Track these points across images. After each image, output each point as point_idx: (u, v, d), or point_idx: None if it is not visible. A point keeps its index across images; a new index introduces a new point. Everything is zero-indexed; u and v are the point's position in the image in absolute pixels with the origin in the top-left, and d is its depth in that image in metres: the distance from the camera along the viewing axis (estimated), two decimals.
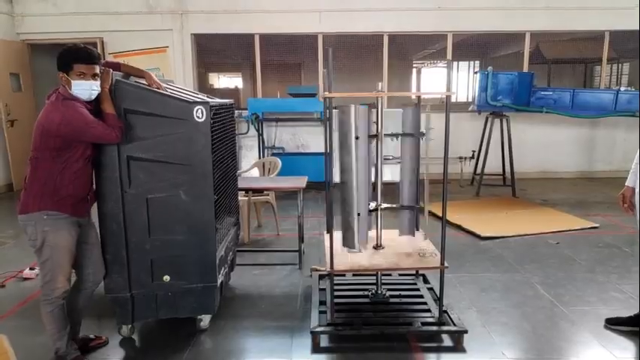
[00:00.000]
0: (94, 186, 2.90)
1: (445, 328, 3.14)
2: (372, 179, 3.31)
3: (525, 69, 8.25)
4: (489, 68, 7.13)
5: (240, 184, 4.39)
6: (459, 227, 5.56)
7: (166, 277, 3.07)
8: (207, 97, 3.39)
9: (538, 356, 3.01)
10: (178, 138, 2.92)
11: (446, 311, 3.24)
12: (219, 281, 3.19)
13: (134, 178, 2.93)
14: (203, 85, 9.66)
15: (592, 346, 3.09)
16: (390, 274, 3.85)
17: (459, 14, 8.05)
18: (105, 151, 2.86)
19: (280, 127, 8.16)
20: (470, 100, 10.95)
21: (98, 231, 2.98)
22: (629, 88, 7.89)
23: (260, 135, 7.78)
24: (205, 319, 3.28)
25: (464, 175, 8.25)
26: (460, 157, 8.18)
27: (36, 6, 7.97)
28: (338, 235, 3.21)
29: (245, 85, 12.84)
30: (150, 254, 3.03)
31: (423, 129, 3.17)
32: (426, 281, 3.83)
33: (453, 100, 11.19)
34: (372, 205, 3.32)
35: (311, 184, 5.02)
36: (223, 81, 16.66)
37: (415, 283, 3.78)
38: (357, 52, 8.56)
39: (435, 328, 3.16)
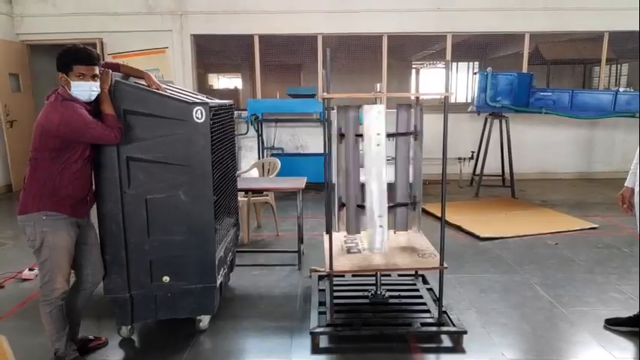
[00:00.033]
0: (94, 186, 2.90)
1: (444, 328, 3.14)
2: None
3: (524, 70, 8.26)
4: (488, 69, 7.14)
5: (240, 184, 4.39)
6: (458, 228, 5.55)
7: (166, 278, 3.07)
8: (207, 97, 3.39)
9: (537, 357, 3.01)
10: (178, 139, 2.92)
11: (445, 312, 3.24)
12: (218, 282, 3.19)
13: (133, 178, 2.93)
14: (202, 86, 9.66)
15: (591, 347, 3.09)
16: (389, 275, 3.85)
17: (458, 15, 8.06)
18: (104, 152, 2.86)
19: (280, 127, 8.17)
20: (469, 100, 10.96)
21: (97, 231, 2.98)
22: (627, 89, 7.91)
23: (259, 136, 7.79)
24: (205, 320, 3.28)
25: (463, 176, 8.25)
26: (459, 158, 8.19)
27: (35, 6, 7.96)
28: (337, 235, 3.21)
29: (244, 85, 12.84)
30: (149, 255, 3.03)
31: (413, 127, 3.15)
32: (425, 282, 3.83)
33: (452, 100, 11.22)
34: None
35: (310, 185, 5.03)
36: (223, 82, 16.66)
37: (414, 284, 3.78)
38: (356, 53, 8.56)
39: (434, 328, 3.16)
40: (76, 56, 2.64)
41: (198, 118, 2.90)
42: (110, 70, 2.83)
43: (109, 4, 7.92)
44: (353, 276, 3.82)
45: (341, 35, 8.20)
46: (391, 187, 3.32)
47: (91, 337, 3.14)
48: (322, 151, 3.60)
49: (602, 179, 8.36)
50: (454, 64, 13.24)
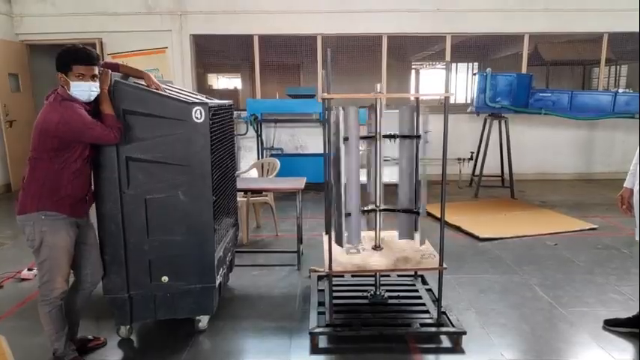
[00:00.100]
0: (93, 186, 2.90)
1: (444, 329, 3.14)
2: (365, 180, 3.30)
3: (524, 70, 8.26)
4: (488, 70, 7.13)
5: (239, 184, 4.38)
6: (457, 228, 5.56)
7: (165, 278, 3.07)
8: (206, 97, 3.39)
9: (537, 357, 3.01)
10: (177, 139, 2.92)
11: (444, 312, 3.24)
12: (217, 282, 3.19)
13: (133, 178, 2.93)
14: (202, 86, 9.65)
15: (591, 348, 3.09)
16: (388, 275, 3.85)
17: (458, 16, 8.06)
18: (104, 152, 2.86)
19: (279, 128, 8.17)
20: (468, 101, 10.96)
21: (96, 231, 2.98)
22: (627, 90, 7.92)
23: (259, 136, 7.79)
24: (204, 320, 3.28)
25: (462, 177, 8.25)
26: (459, 159, 8.19)
27: (35, 6, 7.96)
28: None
29: (244, 85, 12.83)
30: (148, 255, 3.03)
31: (421, 131, 3.16)
32: (424, 282, 3.83)
33: (452, 101, 11.20)
34: (371, 206, 3.32)
35: (310, 185, 5.03)
36: (222, 82, 16.65)
37: (414, 284, 3.78)
38: (355, 54, 8.56)
39: (433, 329, 3.16)
40: (75, 56, 2.64)
41: (197, 118, 2.90)
42: (109, 70, 2.83)
43: (109, 4, 7.92)
44: (352, 276, 3.82)
45: (340, 35, 8.20)
46: (394, 191, 3.34)
47: (90, 337, 3.13)
48: (322, 152, 3.60)
49: (601, 180, 8.37)
50: (454, 64, 13.24)
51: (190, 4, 8.01)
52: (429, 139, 3.10)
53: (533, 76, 7.50)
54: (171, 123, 2.90)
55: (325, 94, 2.93)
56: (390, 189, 3.51)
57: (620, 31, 8.10)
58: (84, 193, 2.79)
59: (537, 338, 3.20)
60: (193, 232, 3.04)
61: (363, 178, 3.25)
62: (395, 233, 3.49)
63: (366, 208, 3.32)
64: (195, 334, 3.24)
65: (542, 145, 8.55)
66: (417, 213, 3.27)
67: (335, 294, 3.31)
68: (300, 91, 8.02)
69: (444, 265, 3.11)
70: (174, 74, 8.02)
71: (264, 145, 7.97)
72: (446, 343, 3.13)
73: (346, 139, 3.07)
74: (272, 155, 7.58)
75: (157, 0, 7.97)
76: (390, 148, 3.30)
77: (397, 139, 3.24)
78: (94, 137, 2.69)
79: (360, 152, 3.22)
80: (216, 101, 3.42)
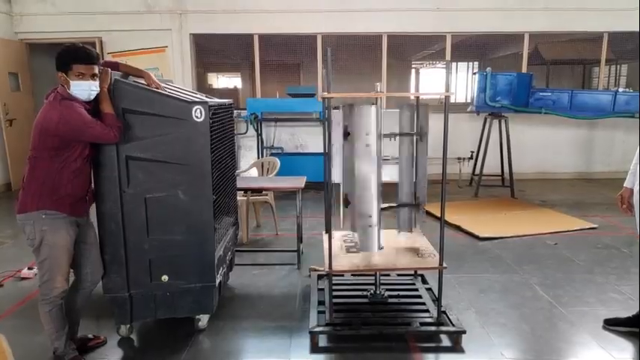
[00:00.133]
0: (93, 185, 2.90)
1: (444, 328, 3.14)
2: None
3: (524, 70, 8.26)
4: (488, 69, 7.14)
5: (239, 183, 4.38)
6: (457, 228, 5.56)
7: (165, 277, 3.07)
8: (206, 97, 3.38)
9: (537, 357, 3.01)
10: (177, 138, 2.92)
11: (444, 311, 3.24)
12: (217, 281, 3.19)
13: (133, 177, 2.93)
14: (202, 85, 9.66)
15: (591, 347, 3.09)
16: (388, 275, 3.85)
17: (458, 15, 8.06)
18: (104, 151, 2.85)
19: (279, 127, 8.17)
20: (469, 100, 10.97)
21: (96, 230, 2.98)
22: (627, 90, 7.91)
23: (259, 135, 7.79)
24: (204, 319, 3.28)
25: (462, 176, 8.25)
26: (459, 158, 8.19)
27: (34, 5, 7.95)
28: (337, 235, 3.21)
29: (244, 85, 12.84)
30: (148, 254, 3.03)
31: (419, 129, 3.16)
32: (424, 282, 3.83)
33: (452, 100, 11.20)
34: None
35: (310, 184, 5.03)
36: (222, 81, 16.65)
37: (414, 284, 3.78)
38: (356, 53, 8.56)
39: (433, 328, 3.16)
40: (75, 55, 2.63)
41: (197, 117, 2.90)
42: (109, 69, 2.82)
43: (109, 3, 7.92)
44: (352, 275, 3.82)
45: (340, 35, 8.20)
46: (395, 187, 3.33)
47: (90, 336, 3.13)
48: (322, 151, 3.60)
49: (601, 179, 8.37)
50: (454, 64, 13.24)
51: (190, 3, 8.01)
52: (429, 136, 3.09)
53: (534, 75, 7.51)
54: (172, 122, 2.90)
55: (325, 93, 2.93)
56: (387, 188, 3.51)
57: (620, 31, 8.10)
58: (84, 192, 2.79)
59: (537, 338, 3.20)
60: (193, 231, 3.04)
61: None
62: (395, 233, 3.48)
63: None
64: (195, 333, 3.24)
65: (542, 145, 8.55)
66: (417, 205, 3.26)
67: (335, 293, 3.31)
68: (300, 90, 8.02)
69: (444, 265, 3.11)
70: (174, 73, 8.02)
71: (264, 144, 7.97)
72: (446, 342, 3.13)
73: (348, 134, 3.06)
74: (272, 154, 7.58)
75: None
76: (389, 148, 3.29)
77: (397, 138, 3.23)
78: (94, 136, 2.69)
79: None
80: (216, 100, 3.42)
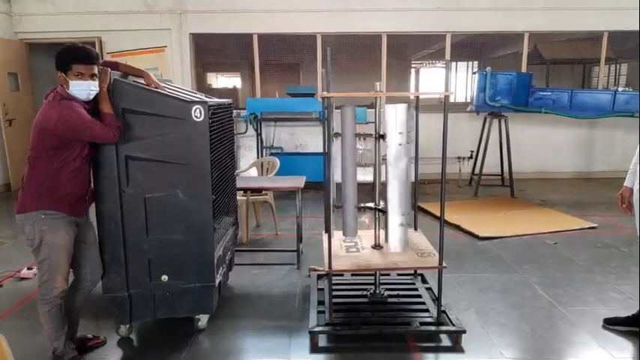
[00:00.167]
0: (92, 185, 2.90)
1: (443, 328, 3.14)
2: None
3: (524, 69, 8.26)
4: (488, 68, 7.13)
5: (239, 183, 4.38)
6: (457, 227, 5.56)
7: (164, 277, 3.07)
8: (206, 96, 3.38)
9: (536, 357, 3.01)
10: (176, 137, 2.92)
11: (444, 311, 3.24)
12: (217, 281, 3.19)
13: (132, 177, 2.92)
14: (201, 85, 9.65)
15: (590, 347, 3.09)
16: (388, 274, 3.85)
17: (458, 14, 8.05)
18: (103, 151, 2.85)
19: (279, 126, 8.16)
20: (468, 100, 10.96)
21: (96, 230, 2.98)
22: (627, 89, 7.91)
23: (258, 135, 7.79)
24: (203, 319, 3.28)
25: (462, 176, 8.25)
26: (458, 158, 8.19)
27: (34, 5, 7.95)
28: (337, 234, 3.21)
29: (243, 84, 12.84)
30: (148, 254, 3.02)
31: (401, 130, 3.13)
32: (424, 281, 3.83)
33: (452, 100, 11.20)
34: (371, 204, 3.32)
35: (309, 184, 5.03)
36: (222, 81, 16.65)
37: (413, 283, 3.78)
38: (355, 53, 8.56)
39: (433, 328, 3.16)
40: (75, 55, 2.63)
41: (196, 117, 2.90)
42: (109, 69, 2.82)
43: (108, 3, 7.91)
44: (352, 275, 3.82)
45: (340, 34, 8.19)
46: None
47: (89, 336, 3.13)
48: (321, 151, 3.59)
49: (601, 179, 8.37)
50: (453, 63, 13.23)
51: (190, 2, 8.00)
52: (411, 139, 3.08)
53: (533, 74, 7.50)
54: (171, 122, 2.90)
55: (325, 92, 2.93)
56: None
57: (620, 30, 8.08)
58: (83, 192, 2.79)
59: (537, 337, 3.20)
60: (193, 230, 3.04)
61: (368, 177, 3.24)
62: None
63: (362, 205, 3.30)
64: (194, 333, 3.24)
65: (542, 144, 8.55)
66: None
67: (335, 293, 3.31)
68: (299, 90, 8.02)
69: (444, 264, 3.10)
70: (174, 73, 8.02)
71: (264, 144, 7.96)
72: (445, 342, 3.13)
73: (337, 134, 3.06)
74: (272, 154, 7.58)
75: None
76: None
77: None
78: (93, 136, 2.68)
79: (360, 151, 3.22)
80: (216, 100, 3.41)
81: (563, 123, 8.06)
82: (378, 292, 3.53)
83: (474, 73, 7.99)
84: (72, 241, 2.75)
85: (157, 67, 7.75)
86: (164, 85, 3.07)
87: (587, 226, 5.61)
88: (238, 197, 4.51)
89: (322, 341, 3.14)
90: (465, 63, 13.33)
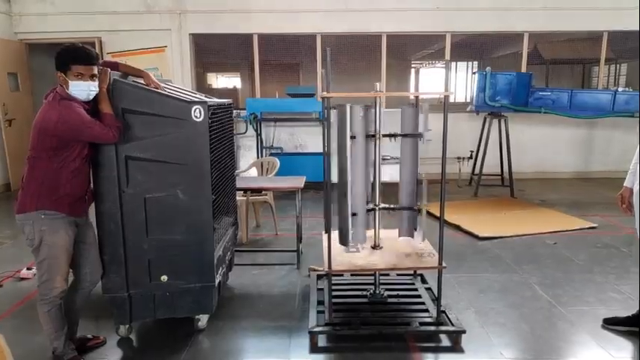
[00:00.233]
0: (92, 185, 2.90)
1: (443, 328, 3.14)
2: (371, 179, 3.30)
3: (523, 69, 8.26)
4: (487, 68, 7.14)
5: (239, 183, 4.38)
6: (457, 227, 5.56)
7: (164, 277, 3.07)
8: (206, 96, 3.38)
9: (536, 357, 3.01)
10: (176, 138, 2.92)
11: (444, 311, 3.24)
12: (217, 281, 3.19)
13: (132, 177, 2.92)
14: (201, 85, 9.65)
15: (590, 347, 3.09)
16: (388, 274, 3.85)
17: (457, 15, 8.06)
18: (103, 151, 2.85)
19: (279, 127, 8.16)
20: (468, 100, 10.96)
21: (96, 230, 2.98)
22: (626, 89, 7.91)
23: (258, 135, 7.79)
24: (203, 319, 3.28)
25: (462, 176, 8.25)
26: (458, 158, 8.19)
27: (34, 5, 7.95)
28: (336, 234, 3.21)
29: (243, 85, 12.84)
30: (147, 254, 3.02)
31: (421, 130, 3.16)
32: (424, 281, 3.83)
33: (452, 100, 11.21)
34: (370, 205, 3.32)
35: (309, 184, 5.03)
36: (222, 81, 16.64)
37: (413, 283, 3.78)
38: (355, 53, 8.56)
39: (433, 328, 3.16)
40: (74, 55, 2.63)
41: (196, 117, 2.90)
42: (109, 69, 2.82)
43: (108, 3, 7.91)
44: (351, 275, 3.82)
45: (340, 35, 8.20)
46: (391, 190, 3.33)
47: (89, 336, 3.13)
48: (321, 151, 3.60)
49: (600, 179, 8.37)
50: (453, 63, 13.24)
51: (190, 3, 8.01)
52: (430, 138, 3.09)
53: (533, 74, 7.50)
54: (171, 122, 2.89)
55: (325, 92, 2.93)
56: (389, 188, 3.51)
57: (619, 30, 8.09)
58: (83, 192, 2.79)
59: (537, 337, 3.20)
60: (193, 231, 3.04)
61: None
62: (394, 232, 3.49)
63: (368, 207, 3.32)
64: (194, 333, 3.24)
65: (541, 144, 8.55)
66: (418, 211, 3.27)
67: (334, 293, 3.31)
68: (299, 90, 8.02)
69: (444, 264, 3.10)
70: (174, 73, 8.02)
71: (264, 144, 7.97)
72: (445, 342, 3.13)
73: (353, 137, 3.06)
74: (271, 154, 7.58)
75: None
76: (389, 148, 3.29)
77: (397, 139, 3.23)
78: (93, 136, 2.68)
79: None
80: (216, 100, 3.41)
81: (563, 123, 8.06)
82: (377, 292, 3.53)
83: (474, 73, 8.00)
84: (72, 241, 2.75)
85: (157, 68, 7.76)
86: (164, 86, 3.07)
87: (586, 226, 5.61)
88: (238, 197, 4.52)
89: (322, 341, 3.14)
90: (465, 63, 13.33)
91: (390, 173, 3.57)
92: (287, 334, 3.24)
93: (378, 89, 3.17)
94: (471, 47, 9.30)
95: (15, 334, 3.13)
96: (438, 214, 3.13)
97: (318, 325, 3.13)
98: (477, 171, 7.66)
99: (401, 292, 3.61)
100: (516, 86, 7.01)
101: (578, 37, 8.85)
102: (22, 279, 4.18)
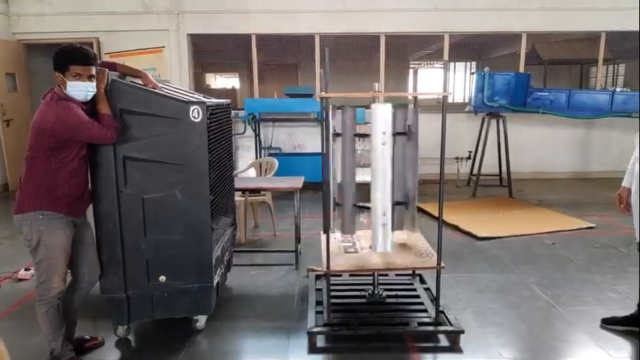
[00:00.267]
0: (90, 186, 2.90)
1: (442, 328, 3.14)
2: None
3: (521, 70, 8.27)
4: (486, 69, 7.14)
5: (237, 184, 4.38)
6: (455, 228, 5.56)
7: (162, 278, 3.06)
8: (204, 97, 3.38)
9: (534, 357, 3.02)
10: (174, 138, 2.91)
11: (442, 311, 3.24)
12: (215, 281, 3.19)
13: (130, 177, 2.92)
14: (200, 86, 9.65)
15: (588, 347, 3.09)
16: (386, 275, 3.85)
17: (456, 15, 8.06)
18: (101, 151, 2.85)
19: (277, 127, 8.16)
20: (466, 100, 10.98)
21: (94, 231, 2.97)
22: (624, 89, 7.92)
23: (257, 135, 7.78)
24: (201, 320, 3.27)
25: (460, 176, 8.26)
26: (456, 158, 8.19)
27: (32, 6, 7.93)
28: (335, 235, 3.21)
29: (242, 85, 12.84)
30: (146, 254, 3.02)
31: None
32: (422, 281, 3.83)
33: (450, 100, 11.21)
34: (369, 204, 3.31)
35: (308, 185, 5.03)
36: (220, 81, 16.65)
37: (412, 284, 3.78)
38: (354, 53, 8.56)
39: (431, 328, 3.16)
40: (72, 56, 2.63)
41: (194, 117, 2.89)
42: (107, 70, 2.82)
43: (106, 4, 7.90)
44: (350, 275, 3.82)
45: (338, 35, 8.20)
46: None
47: (87, 336, 3.13)
48: (320, 151, 3.59)
49: (598, 179, 8.38)
50: (451, 64, 13.25)
51: (187, 3, 8.00)
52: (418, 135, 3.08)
53: (531, 75, 7.52)
54: (169, 122, 2.89)
55: (323, 93, 2.93)
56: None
57: (617, 30, 8.11)
58: (81, 193, 2.78)
59: (535, 337, 3.21)
60: (191, 231, 3.03)
61: (360, 177, 3.23)
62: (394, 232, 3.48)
63: (361, 204, 3.30)
64: (192, 333, 3.24)
65: (539, 144, 8.57)
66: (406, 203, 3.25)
67: (333, 293, 3.31)
68: (298, 91, 8.02)
69: (442, 264, 3.11)
70: (172, 73, 8.01)
71: (262, 145, 7.96)
72: (444, 342, 3.13)
73: (338, 135, 3.06)
74: (270, 154, 7.58)
75: None
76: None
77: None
78: (91, 137, 2.68)
79: (359, 152, 3.21)
80: (214, 100, 3.41)
81: (561, 123, 8.07)
82: (376, 292, 3.53)
83: (472, 73, 8.02)
84: (70, 241, 2.75)
85: (154, 68, 7.74)
86: (162, 86, 3.07)
87: (584, 226, 5.61)
88: (236, 198, 4.51)
89: (320, 342, 3.14)
90: (463, 63, 13.35)
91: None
92: (285, 335, 3.24)
93: (376, 89, 3.17)
94: (469, 47, 9.31)
95: (13, 334, 3.13)
96: (436, 215, 3.13)
97: (316, 326, 3.13)
98: (475, 171, 7.66)
99: (399, 293, 3.61)
100: (514, 86, 7.02)
101: (576, 37, 8.86)
102: (20, 280, 4.17)
